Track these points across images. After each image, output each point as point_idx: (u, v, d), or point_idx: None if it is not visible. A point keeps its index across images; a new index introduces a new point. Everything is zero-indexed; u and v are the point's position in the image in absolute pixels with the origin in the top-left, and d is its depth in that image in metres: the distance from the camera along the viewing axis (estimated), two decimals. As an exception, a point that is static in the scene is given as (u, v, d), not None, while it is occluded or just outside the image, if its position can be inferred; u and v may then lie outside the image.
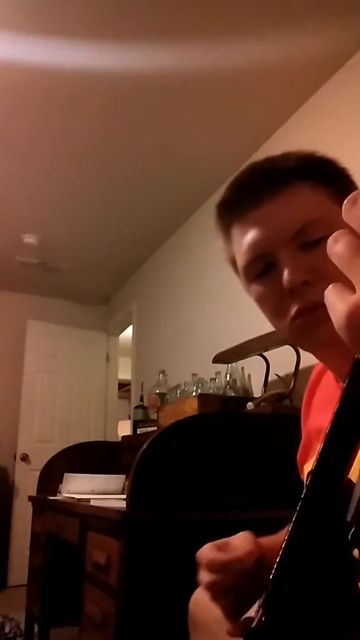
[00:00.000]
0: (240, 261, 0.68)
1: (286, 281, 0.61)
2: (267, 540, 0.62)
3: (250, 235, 0.65)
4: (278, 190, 0.65)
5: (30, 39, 1.98)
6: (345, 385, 0.37)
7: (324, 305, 0.61)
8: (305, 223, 0.63)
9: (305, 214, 0.63)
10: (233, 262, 0.72)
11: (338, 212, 0.68)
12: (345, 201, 0.32)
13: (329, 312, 0.32)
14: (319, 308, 0.60)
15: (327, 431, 0.38)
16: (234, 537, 0.61)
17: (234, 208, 0.68)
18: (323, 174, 0.66)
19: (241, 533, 0.61)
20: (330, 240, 0.32)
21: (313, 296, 0.60)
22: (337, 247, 0.31)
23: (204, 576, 0.58)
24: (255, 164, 0.69)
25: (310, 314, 0.61)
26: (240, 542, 0.58)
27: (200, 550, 0.61)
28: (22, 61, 2.08)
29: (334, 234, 0.32)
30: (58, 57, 2.07)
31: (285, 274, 0.61)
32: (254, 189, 0.66)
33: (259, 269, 0.65)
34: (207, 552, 0.60)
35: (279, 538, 0.50)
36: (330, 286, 0.32)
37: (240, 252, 0.68)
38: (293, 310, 0.62)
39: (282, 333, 0.68)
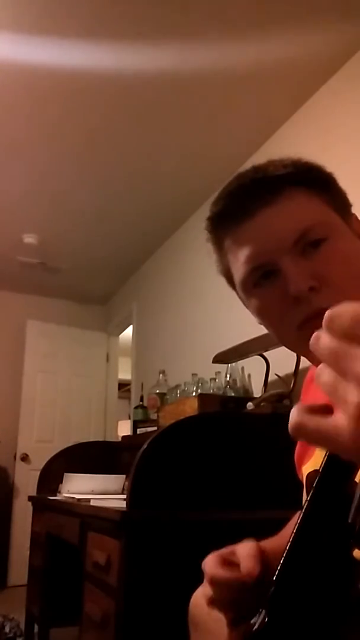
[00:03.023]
0: (238, 273, 0.65)
1: (292, 290, 0.59)
2: (271, 544, 0.61)
3: (247, 247, 0.63)
4: (271, 198, 0.62)
5: (29, 38, 1.98)
6: None
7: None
8: (304, 228, 0.61)
9: (303, 219, 0.61)
10: (228, 276, 0.70)
11: (335, 218, 0.66)
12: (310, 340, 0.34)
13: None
14: None
15: None
16: (239, 546, 0.59)
17: (227, 220, 0.65)
18: (315, 180, 0.64)
19: (246, 543, 0.59)
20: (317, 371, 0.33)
21: (319, 302, 0.58)
22: (322, 377, 0.32)
23: (207, 589, 0.58)
24: (244, 174, 0.66)
25: (318, 321, 0.60)
26: (244, 557, 0.56)
27: (205, 560, 0.59)
28: (22, 60, 2.08)
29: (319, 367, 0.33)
30: (58, 56, 2.07)
31: (290, 282, 0.59)
32: (246, 199, 0.63)
33: (258, 277, 0.63)
34: (210, 564, 0.58)
35: (282, 541, 0.49)
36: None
37: (236, 264, 0.65)
38: (299, 318, 0.60)
39: (287, 344, 0.66)
